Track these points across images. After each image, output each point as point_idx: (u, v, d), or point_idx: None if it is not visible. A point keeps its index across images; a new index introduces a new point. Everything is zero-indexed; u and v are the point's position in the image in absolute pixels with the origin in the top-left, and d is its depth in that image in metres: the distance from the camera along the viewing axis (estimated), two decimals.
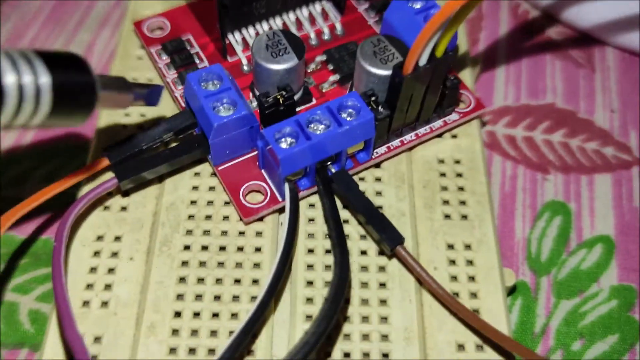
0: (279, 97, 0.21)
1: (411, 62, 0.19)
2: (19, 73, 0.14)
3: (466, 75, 0.24)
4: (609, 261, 0.23)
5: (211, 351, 0.18)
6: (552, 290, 0.22)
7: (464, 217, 0.21)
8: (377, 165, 0.22)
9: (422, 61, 0.19)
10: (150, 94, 0.18)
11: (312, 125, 0.20)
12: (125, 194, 0.21)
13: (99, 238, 0.21)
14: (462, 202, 0.21)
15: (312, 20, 0.24)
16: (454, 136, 0.23)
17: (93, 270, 0.20)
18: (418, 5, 0.22)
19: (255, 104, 0.22)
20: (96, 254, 0.20)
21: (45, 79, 0.14)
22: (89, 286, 0.20)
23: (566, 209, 0.24)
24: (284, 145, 0.19)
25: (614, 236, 0.23)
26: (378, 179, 0.22)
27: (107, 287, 0.20)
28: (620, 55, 0.28)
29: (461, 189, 0.22)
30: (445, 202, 0.22)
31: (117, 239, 0.21)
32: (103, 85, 0.16)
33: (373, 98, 0.20)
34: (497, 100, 0.27)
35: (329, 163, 0.21)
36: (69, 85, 0.15)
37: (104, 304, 0.19)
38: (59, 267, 0.18)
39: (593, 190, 0.24)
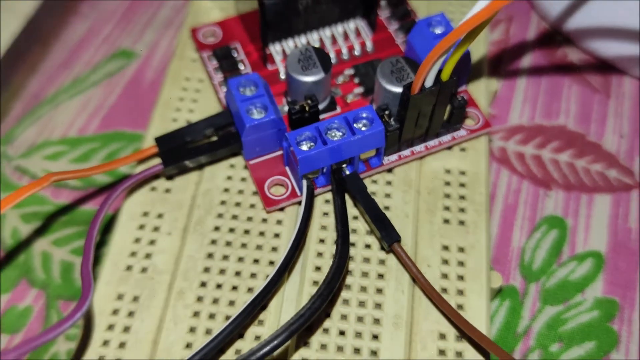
0: (305, 105, 0.24)
1: (418, 83, 0.21)
2: None
3: (481, 94, 0.26)
4: (597, 275, 0.25)
5: (228, 317, 0.22)
6: (539, 296, 0.24)
7: (461, 222, 0.24)
8: (390, 170, 0.25)
9: (428, 83, 0.22)
10: None
11: (329, 132, 0.22)
12: (170, 178, 0.25)
13: (145, 214, 0.24)
14: (462, 210, 0.24)
15: (345, 36, 0.27)
16: (463, 149, 0.25)
17: (137, 240, 0.24)
18: (438, 31, 0.24)
19: (287, 108, 0.25)
20: (141, 227, 0.24)
21: None
22: (133, 254, 0.23)
23: (563, 224, 0.26)
24: (304, 147, 0.22)
25: (605, 252, 0.25)
26: (389, 183, 0.25)
27: (147, 255, 0.23)
28: (637, 84, 0.29)
29: (462, 197, 0.24)
30: (446, 208, 0.24)
31: (160, 216, 0.24)
32: None
33: (387, 112, 0.23)
34: (513, 118, 0.29)
35: (343, 165, 0.24)
36: None
37: (144, 269, 0.23)
38: (94, 226, 0.21)
39: (591, 208, 0.26)
